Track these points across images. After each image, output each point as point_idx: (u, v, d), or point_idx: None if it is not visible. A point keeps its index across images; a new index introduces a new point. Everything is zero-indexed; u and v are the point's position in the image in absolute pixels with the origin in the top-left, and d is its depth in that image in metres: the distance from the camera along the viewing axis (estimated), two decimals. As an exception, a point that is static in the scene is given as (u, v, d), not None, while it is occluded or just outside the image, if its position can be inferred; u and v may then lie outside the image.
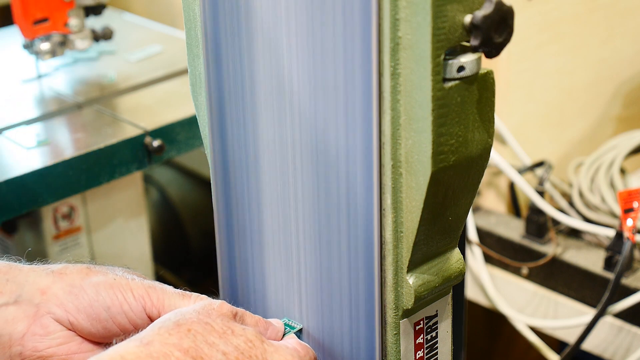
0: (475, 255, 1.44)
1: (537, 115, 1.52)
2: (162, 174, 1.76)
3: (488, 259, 1.45)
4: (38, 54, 1.44)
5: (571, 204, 1.46)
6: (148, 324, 0.76)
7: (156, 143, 1.30)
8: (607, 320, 1.30)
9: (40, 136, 1.30)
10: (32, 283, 0.80)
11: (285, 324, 0.82)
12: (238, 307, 0.78)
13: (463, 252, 0.81)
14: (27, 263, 0.83)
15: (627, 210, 1.25)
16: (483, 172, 0.74)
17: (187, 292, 0.81)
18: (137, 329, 0.78)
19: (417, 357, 0.79)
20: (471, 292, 1.46)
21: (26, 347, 0.79)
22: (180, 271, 1.76)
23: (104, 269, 0.82)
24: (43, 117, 1.37)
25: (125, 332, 0.79)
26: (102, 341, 0.80)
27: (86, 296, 0.79)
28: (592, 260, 1.36)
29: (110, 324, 0.79)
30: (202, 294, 0.81)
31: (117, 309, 0.79)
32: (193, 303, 0.79)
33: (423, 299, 0.76)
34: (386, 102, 0.70)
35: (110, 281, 0.80)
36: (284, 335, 0.81)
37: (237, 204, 0.84)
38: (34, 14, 1.40)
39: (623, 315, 1.29)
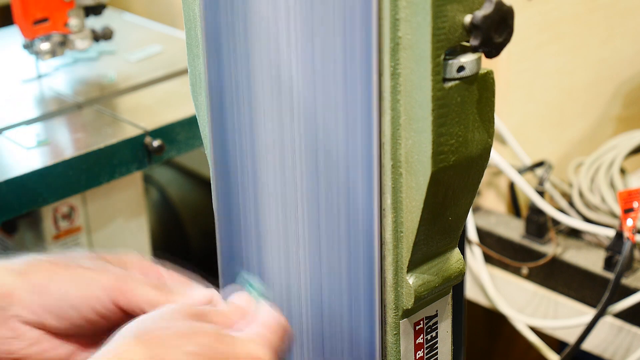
0: (475, 255, 1.44)
1: (537, 115, 1.52)
2: (162, 174, 1.76)
3: (488, 259, 1.45)
4: (38, 54, 1.44)
5: (571, 204, 1.46)
6: (119, 316, 0.76)
7: (156, 143, 1.30)
8: (607, 320, 1.30)
9: (40, 136, 1.30)
10: None
11: (250, 286, 0.80)
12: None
13: (463, 252, 0.81)
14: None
15: (627, 210, 1.25)
16: (483, 172, 0.74)
17: (162, 283, 0.79)
18: (108, 321, 0.77)
19: (417, 357, 0.79)
20: (471, 292, 1.46)
21: None
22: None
23: (68, 261, 0.80)
24: (43, 117, 1.37)
25: (95, 326, 0.78)
26: (75, 334, 0.79)
27: (51, 296, 0.78)
28: (592, 260, 1.36)
29: (80, 321, 0.77)
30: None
31: (86, 307, 0.77)
32: (165, 297, 0.77)
33: (423, 299, 0.76)
34: (386, 102, 0.70)
35: (76, 277, 0.78)
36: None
37: (237, 204, 0.84)
38: (34, 14, 1.40)
39: (623, 315, 1.29)
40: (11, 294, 0.78)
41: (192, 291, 0.79)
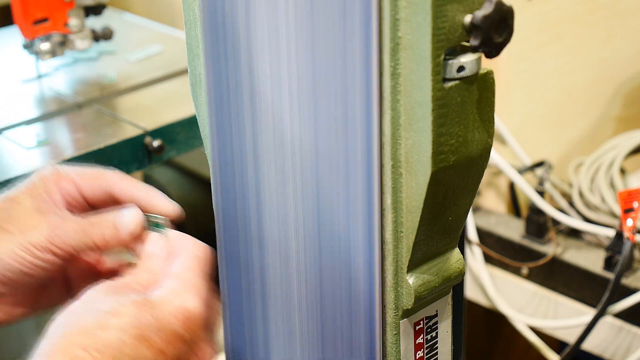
0: (475, 255, 1.44)
1: (537, 115, 1.52)
2: (162, 174, 1.76)
3: (488, 259, 1.45)
4: (38, 54, 1.44)
5: (571, 204, 1.46)
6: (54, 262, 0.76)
7: (156, 143, 1.30)
8: (607, 320, 1.30)
9: (40, 136, 1.30)
10: None
11: (153, 223, 0.81)
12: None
13: (463, 252, 0.81)
14: None
15: (627, 210, 1.25)
16: (483, 172, 0.74)
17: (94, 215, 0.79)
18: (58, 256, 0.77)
19: (417, 357, 0.79)
20: (471, 292, 1.46)
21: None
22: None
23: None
24: (43, 117, 1.37)
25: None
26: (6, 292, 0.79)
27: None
28: (592, 260, 1.36)
29: (22, 284, 0.77)
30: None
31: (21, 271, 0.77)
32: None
33: (423, 299, 0.76)
34: (386, 102, 0.70)
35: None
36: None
37: (237, 204, 0.84)
38: (34, 14, 1.40)
39: (623, 315, 1.29)
40: None
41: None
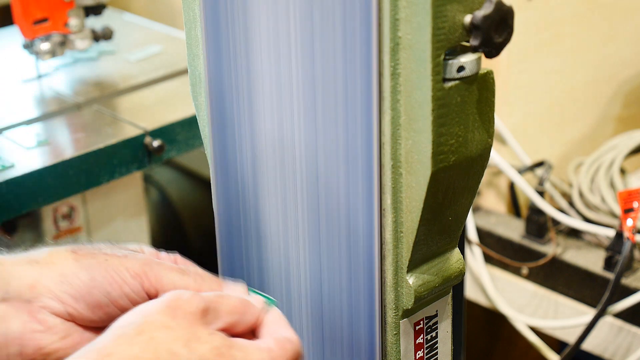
0: (475, 255, 1.44)
1: (537, 115, 1.52)
2: (162, 174, 1.76)
3: (488, 259, 1.45)
4: (38, 54, 1.44)
5: (571, 204, 1.46)
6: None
7: (156, 143, 1.30)
8: (607, 320, 1.30)
9: (40, 136, 1.30)
10: (18, 278, 0.74)
11: (263, 296, 0.76)
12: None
13: (463, 252, 0.81)
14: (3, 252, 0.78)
15: (627, 210, 1.25)
16: (483, 172, 0.74)
17: (185, 267, 0.76)
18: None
19: (417, 357, 0.79)
20: (471, 292, 1.46)
21: (27, 345, 0.74)
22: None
23: (90, 249, 0.77)
24: (43, 117, 1.37)
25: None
26: (104, 325, 0.73)
27: (81, 283, 0.74)
28: (592, 260, 1.36)
29: (112, 308, 0.74)
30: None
31: (118, 292, 0.74)
32: (193, 281, 0.74)
33: (423, 299, 0.76)
34: (386, 102, 0.70)
35: (104, 262, 0.75)
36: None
37: (237, 203, 0.84)
38: (34, 14, 1.40)
39: (623, 315, 1.29)
40: (37, 284, 0.74)
41: (224, 287, 0.75)
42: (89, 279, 0.74)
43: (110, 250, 0.77)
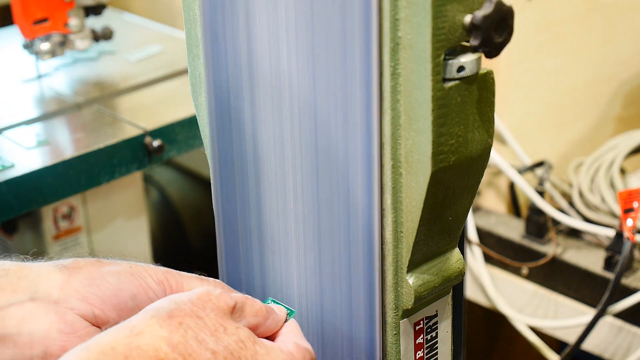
0: (475, 255, 1.44)
1: (537, 115, 1.52)
2: (162, 174, 1.76)
3: (488, 259, 1.45)
4: (38, 54, 1.44)
5: (571, 204, 1.46)
6: None
7: (156, 143, 1.30)
8: (607, 320, 1.30)
9: (40, 136, 1.30)
10: (47, 279, 0.75)
11: (283, 306, 0.79)
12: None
13: (463, 252, 0.81)
14: (31, 260, 0.79)
15: (627, 210, 1.25)
16: (483, 172, 0.74)
17: (204, 276, 0.78)
18: None
19: (417, 357, 0.79)
20: (471, 292, 1.46)
21: (52, 346, 0.74)
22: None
23: (112, 261, 0.79)
24: (43, 117, 1.37)
25: None
26: None
27: (109, 285, 0.75)
28: (592, 260, 1.36)
29: (137, 312, 0.73)
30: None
31: (143, 296, 0.75)
32: (213, 287, 0.75)
33: (423, 299, 0.76)
34: (386, 102, 0.70)
35: (128, 269, 0.77)
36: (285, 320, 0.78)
37: (237, 203, 0.84)
38: (34, 14, 1.40)
39: (623, 315, 1.29)
40: (66, 286, 0.75)
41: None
42: (116, 281, 0.76)
43: (128, 264, 0.79)
